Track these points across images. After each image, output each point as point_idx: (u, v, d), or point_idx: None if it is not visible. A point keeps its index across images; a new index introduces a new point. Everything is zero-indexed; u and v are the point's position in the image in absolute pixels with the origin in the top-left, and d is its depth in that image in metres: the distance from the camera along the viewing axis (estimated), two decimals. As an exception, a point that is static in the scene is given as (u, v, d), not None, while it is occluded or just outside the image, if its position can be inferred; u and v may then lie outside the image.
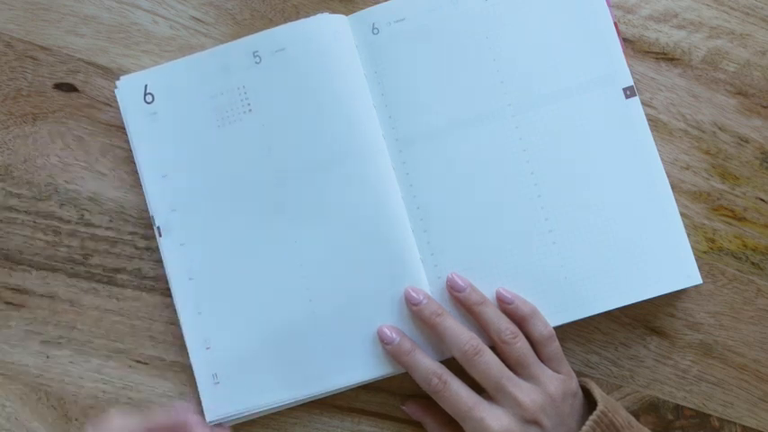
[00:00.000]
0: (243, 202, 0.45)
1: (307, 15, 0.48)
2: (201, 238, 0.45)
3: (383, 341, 0.43)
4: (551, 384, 0.41)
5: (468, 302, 0.43)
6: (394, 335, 0.43)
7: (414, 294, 0.43)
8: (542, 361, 0.43)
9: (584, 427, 0.39)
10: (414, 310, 0.43)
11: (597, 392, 0.42)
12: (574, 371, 0.44)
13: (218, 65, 0.46)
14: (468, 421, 0.41)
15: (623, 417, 0.41)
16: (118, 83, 0.46)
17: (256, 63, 0.46)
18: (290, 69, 0.45)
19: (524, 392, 0.41)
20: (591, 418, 0.39)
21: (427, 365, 0.42)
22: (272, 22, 0.48)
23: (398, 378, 0.44)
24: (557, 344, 0.43)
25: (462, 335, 0.42)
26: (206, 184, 0.46)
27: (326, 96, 0.45)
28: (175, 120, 0.46)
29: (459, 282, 0.44)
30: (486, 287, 0.44)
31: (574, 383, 0.43)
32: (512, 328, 0.42)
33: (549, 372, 0.42)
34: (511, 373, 0.42)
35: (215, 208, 0.46)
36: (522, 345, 0.42)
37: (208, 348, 0.45)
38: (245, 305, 0.45)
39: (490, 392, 0.42)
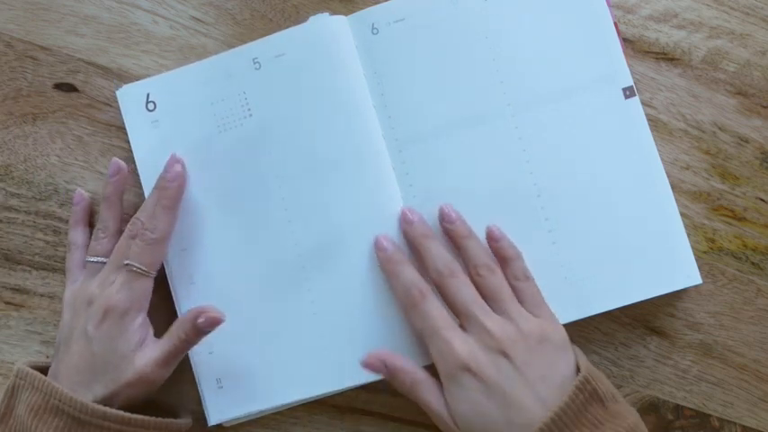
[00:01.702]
0: (244, 207, 0.46)
1: (307, 15, 0.48)
2: (203, 243, 0.45)
3: (377, 248, 0.43)
4: (525, 322, 0.40)
5: (456, 234, 0.43)
6: (388, 244, 0.43)
7: (409, 214, 0.43)
8: (521, 303, 0.41)
9: (567, 393, 0.37)
10: (405, 228, 0.43)
11: (581, 360, 0.40)
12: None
13: (218, 72, 0.46)
14: (435, 339, 0.40)
15: (607, 387, 0.39)
16: (119, 91, 0.46)
17: (256, 69, 0.46)
18: (289, 74, 0.45)
19: (494, 322, 0.40)
20: (573, 383, 0.37)
21: (412, 277, 0.42)
22: (272, 22, 0.48)
23: (398, 378, 0.44)
24: (536, 287, 0.42)
25: (443, 257, 0.42)
26: (207, 190, 0.46)
27: (326, 98, 0.45)
28: (177, 127, 0.46)
29: (452, 214, 0.43)
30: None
31: (555, 332, 0.41)
32: (490, 263, 0.42)
33: (526, 312, 0.41)
34: (484, 303, 0.41)
35: (216, 213, 0.46)
36: (498, 280, 0.41)
37: (210, 353, 0.45)
38: (248, 309, 0.45)
39: (461, 319, 0.41)
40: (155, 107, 0.46)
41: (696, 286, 0.45)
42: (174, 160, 0.45)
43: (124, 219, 0.45)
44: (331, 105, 0.45)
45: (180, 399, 0.46)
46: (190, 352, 0.45)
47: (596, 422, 0.37)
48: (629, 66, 0.45)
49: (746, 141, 0.47)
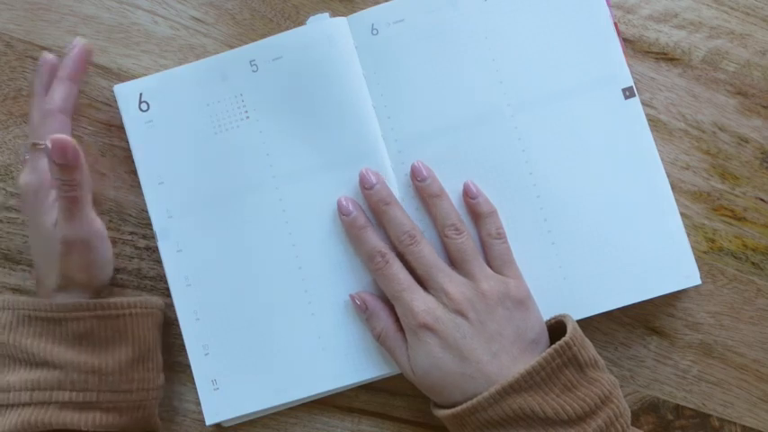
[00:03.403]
0: (240, 209, 0.46)
1: (307, 15, 0.48)
2: (198, 244, 0.45)
3: (340, 211, 0.44)
4: (486, 282, 0.41)
5: (426, 192, 0.44)
6: (351, 207, 0.44)
7: (368, 177, 0.44)
8: (488, 261, 0.43)
9: (543, 354, 0.38)
10: (365, 193, 0.44)
11: (570, 324, 0.40)
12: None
13: (214, 73, 0.46)
14: (398, 301, 0.42)
15: (590, 355, 0.40)
16: (114, 89, 0.46)
17: (254, 71, 0.46)
18: (287, 76, 0.45)
19: (453, 283, 0.41)
20: (553, 346, 0.39)
21: (375, 243, 0.43)
22: (272, 22, 0.48)
23: (398, 378, 0.44)
24: (506, 246, 0.43)
25: (405, 224, 0.43)
26: (203, 191, 0.46)
27: (325, 100, 0.45)
28: (171, 127, 0.46)
29: (423, 171, 0.44)
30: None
31: (518, 290, 0.42)
32: (458, 224, 0.43)
33: (489, 271, 0.42)
34: (445, 265, 0.42)
35: (212, 214, 0.46)
36: (463, 241, 0.42)
37: (206, 354, 0.45)
38: (244, 310, 0.45)
39: (423, 281, 0.42)
40: (148, 107, 0.46)
41: (696, 286, 0.45)
42: (75, 40, 0.44)
43: (122, 234, 0.45)
44: (330, 106, 0.45)
45: (179, 399, 0.46)
46: (188, 352, 0.45)
47: (570, 385, 0.38)
48: (630, 66, 0.45)
49: (746, 141, 0.47)
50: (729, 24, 0.48)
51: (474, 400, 0.38)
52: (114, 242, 0.47)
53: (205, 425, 0.45)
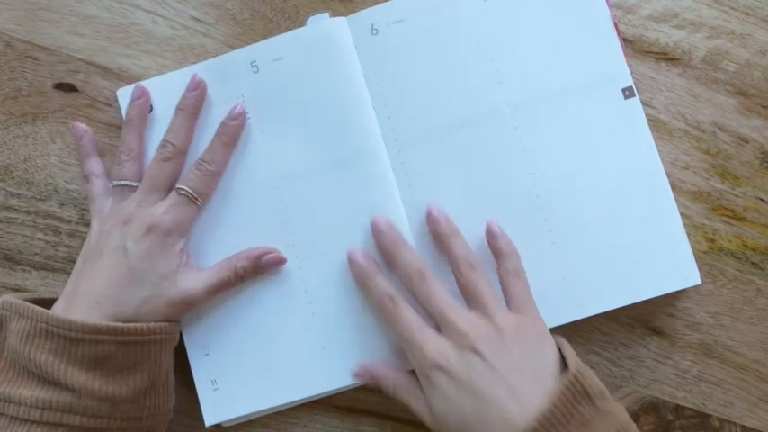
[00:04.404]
0: (241, 208, 0.46)
1: (307, 15, 0.48)
2: (198, 244, 0.45)
3: (350, 262, 0.43)
4: (501, 317, 0.40)
5: (441, 234, 0.43)
6: (360, 258, 0.43)
7: (379, 224, 0.43)
8: (506, 300, 0.42)
9: (556, 394, 0.36)
10: (377, 239, 0.43)
11: (570, 355, 0.39)
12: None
13: (215, 75, 0.46)
14: (409, 344, 0.40)
15: (596, 384, 0.38)
16: (117, 92, 0.46)
17: (254, 72, 0.46)
18: (287, 77, 0.45)
19: (466, 321, 0.40)
20: (563, 383, 0.37)
21: (384, 287, 0.42)
22: (272, 22, 0.48)
23: (398, 378, 0.44)
24: (526, 287, 0.42)
25: (413, 263, 0.42)
26: None
27: (325, 100, 0.45)
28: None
29: (437, 215, 0.43)
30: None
31: (534, 326, 0.41)
32: (472, 261, 0.42)
33: (504, 310, 0.41)
34: (457, 303, 0.41)
35: (213, 215, 0.46)
36: (478, 277, 0.41)
37: (206, 354, 0.45)
38: (244, 310, 0.45)
39: (436, 321, 0.41)
40: (152, 109, 0.46)
41: (696, 286, 0.45)
42: (237, 106, 0.45)
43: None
44: (330, 107, 0.45)
45: (179, 399, 0.46)
46: (188, 353, 0.45)
47: (585, 421, 0.37)
48: (629, 66, 0.45)
49: (746, 141, 0.47)
50: (729, 24, 0.48)
51: None
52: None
53: (204, 425, 0.45)
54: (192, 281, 0.43)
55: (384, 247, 0.43)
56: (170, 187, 0.44)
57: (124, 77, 0.48)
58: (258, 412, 0.45)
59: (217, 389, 0.45)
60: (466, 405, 0.38)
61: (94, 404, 0.39)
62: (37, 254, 0.47)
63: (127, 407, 0.40)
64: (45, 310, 0.39)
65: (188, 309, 0.43)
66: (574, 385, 0.37)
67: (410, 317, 0.41)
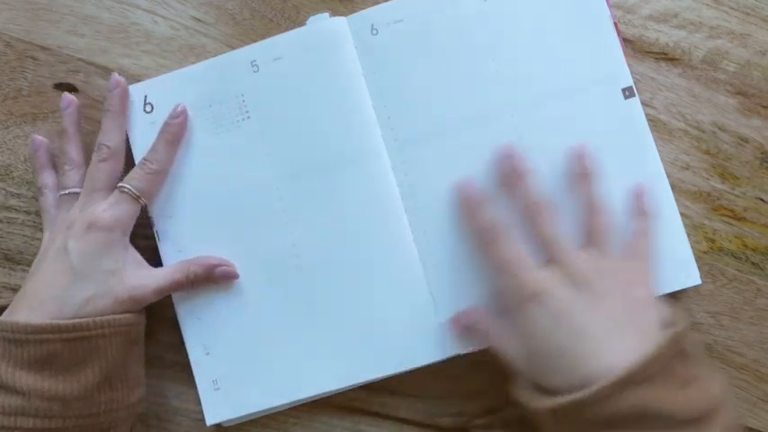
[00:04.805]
0: (241, 209, 0.46)
1: (307, 15, 0.48)
2: (200, 244, 0.46)
3: (459, 190, 0.43)
4: (617, 262, 0.39)
5: (579, 175, 0.43)
6: (470, 187, 0.43)
7: (508, 147, 0.43)
8: (628, 251, 0.41)
9: (658, 342, 0.34)
10: (502, 161, 0.43)
11: (679, 315, 0.38)
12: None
13: (216, 75, 0.46)
14: (507, 271, 0.39)
15: (698, 351, 0.37)
16: None
17: (254, 72, 0.46)
18: (287, 76, 0.45)
19: (581, 254, 0.39)
20: (665, 337, 0.35)
21: (491, 216, 0.42)
22: (272, 22, 0.48)
23: (398, 378, 0.44)
24: (648, 244, 0.42)
25: (538, 192, 0.42)
26: (205, 191, 0.46)
27: (325, 100, 0.45)
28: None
29: (584, 159, 0.43)
30: (484, 286, 0.44)
31: (644, 273, 0.40)
32: (603, 205, 0.42)
33: (622, 256, 0.40)
34: (569, 240, 0.40)
35: (214, 214, 0.46)
36: (604, 220, 0.41)
37: (207, 354, 0.45)
38: (245, 309, 0.45)
39: (547, 252, 0.40)
40: (152, 109, 0.46)
41: (696, 286, 0.45)
42: (179, 106, 0.45)
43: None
44: (330, 106, 0.45)
45: (179, 399, 0.46)
46: (189, 353, 0.45)
47: (680, 381, 0.35)
48: (629, 66, 0.45)
49: (746, 141, 0.47)
50: (729, 24, 0.48)
51: (583, 394, 0.34)
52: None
53: (205, 425, 0.45)
54: (143, 278, 0.42)
55: (509, 171, 0.43)
56: (112, 187, 0.44)
57: (124, 77, 0.48)
58: (259, 412, 0.45)
59: (218, 389, 0.45)
60: (561, 336, 0.37)
61: (45, 405, 0.38)
62: (37, 254, 0.47)
63: (79, 404, 0.39)
64: None
65: (137, 307, 0.42)
66: (676, 342, 0.35)
67: (513, 247, 0.40)
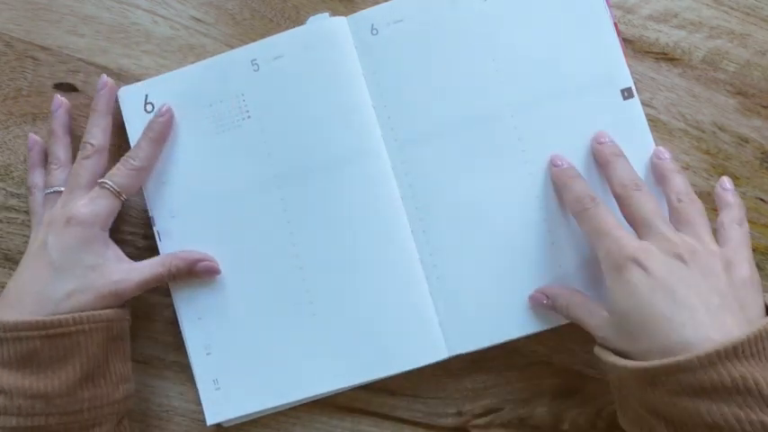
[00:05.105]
0: (242, 208, 0.46)
1: (307, 15, 0.48)
2: (200, 243, 0.46)
3: (552, 163, 0.44)
4: (714, 245, 0.38)
5: (662, 167, 0.43)
6: (563, 161, 0.44)
7: (603, 135, 0.44)
8: (724, 243, 0.40)
9: (760, 326, 0.33)
10: (596, 146, 0.44)
11: None
12: (573, 371, 0.43)
13: (216, 74, 0.46)
14: (603, 238, 0.39)
15: None
16: (119, 92, 0.46)
17: (255, 71, 0.46)
18: (288, 75, 0.45)
19: (675, 233, 0.38)
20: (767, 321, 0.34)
21: (585, 187, 0.42)
22: (272, 22, 0.48)
23: (398, 378, 0.44)
24: (746, 235, 0.41)
25: (631, 172, 0.42)
26: (205, 191, 0.46)
27: (325, 100, 0.45)
28: (175, 128, 0.46)
29: (664, 152, 0.44)
30: (484, 286, 0.44)
31: (752, 271, 0.38)
32: (693, 195, 0.41)
33: (717, 244, 0.39)
34: (667, 219, 0.40)
35: (214, 214, 0.46)
36: (697, 209, 0.40)
37: (208, 354, 0.45)
38: (246, 309, 0.45)
39: (641, 231, 0.39)
40: (153, 108, 0.46)
41: (696, 286, 0.45)
42: (164, 106, 0.46)
43: (122, 234, 0.45)
44: (330, 106, 0.45)
45: (179, 399, 0.46)
46: (190, 352, 0.45)
47: None
48: (629, 66, 0.45)
49: (746, 141, 0.47)
50: (729, 24, 0.48)
51: (682, 358, 0.33)
52: (114, 242, 0.47)
53: (205, 425, 0.45)
54: (125, 272, 0.42)
55: (602, 154, 0.43)
56: (94, 185, 0.44)
57: (124, 77, 0.48)
58: (259, 412, 0.45)
59: (218, 388, 0.45)
60: (658, 303, 0.36)
61: (28, 403, 0.38)
62: (37, 254, 0.47)
63: (62, 401, 0.39)
64: None
65: (119, 301, 0.42)
66: None
67: (610, 217, 0.40)
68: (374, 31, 0.46)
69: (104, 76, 0.46)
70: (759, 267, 0.46)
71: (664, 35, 0.48)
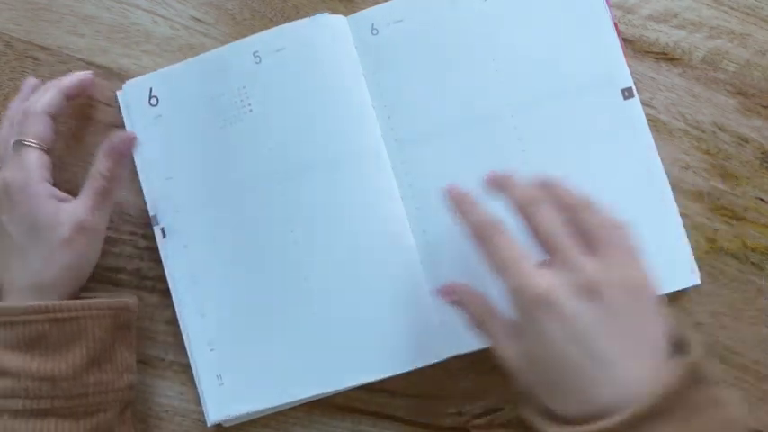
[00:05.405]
0: (245, 205, 0.46)
1: (306, 15, 0.47)
2: (205, 239, 0.46)
3: (449, 191, 0.39)
4: (624, 268, 0.34)
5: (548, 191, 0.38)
6: (460, 189, 0.39)
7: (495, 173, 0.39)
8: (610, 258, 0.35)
9: (676, 371, 0.32)
10: (488, 177, 0.39)
11: (693, 337, 0.34)
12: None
13: (219, 66, 0.46)
14: (509, 272, 0.35)
15: (712, 371, 0.33)
16: (124, 86, 0.47)
17: (257, 63, 0.46)
18: (289, 69, 0.45)
19: (587, 258, 0.34)
20: (683, 363, 0.32)
21: (486, 214, 0.37)
22: (272, 22, 0.48)
23: (398, 378, 0.44)
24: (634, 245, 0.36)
25: (529, 191, 0.37)
26: (209, 186, 0.46)
27: (325, 96, 0.45)
28: (179, 122, 0.46)
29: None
30: (485, 286, 0.44)
31: (654, 285, 0.35)
32: (589, 203, 0.37)
33: (627, 259, 0.35)
34: (575, 238, 0.35)
35: (218, 209, 0.46)
36: (598, 220, 0.36)
37: (212, 350, 0.45)
38: (249, 306, 0.45)
39: (548, 250, 0.35)
40: (157, 102, 0.46)
41: (696, 286, 0.45)
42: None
43: (122, 234, 0.45)
44: (330, 105, 0.45)
45: (179, 399, 0.46)
46: (190, 348, 0.45)
47: (695, 407, 0.32)
48: (629, 66, 0.45)
49: (746, 141, 0.47)
50: (729, 24, 0.48)
51: (604, 424, 0.31)
52: (114, 242, 0.47)
53: (205, 425, 0.45)
54: (73, 209, 0.42)
55: (495, 180, 0.39)
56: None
57: (124, 78, 0.48)
58: (259, 411, 0.45)
59: (222, 384, 0.45)
60: (571, 354, 0.33)
61: (35, 384, 0.38)
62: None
63: (68, 384, 0.39)
64: None
65: (90, 236, 0.42)
66: (693, 372, 0.32)
67: (514, 245, 0.35)
68: (374, 31, 0.46)
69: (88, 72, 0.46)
70: (759, 267, 0.47)
71: (664, 35, 0.48)
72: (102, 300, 0.41)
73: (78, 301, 0.40)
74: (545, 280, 0.34)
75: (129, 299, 0.43)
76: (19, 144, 0.42)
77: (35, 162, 0.42)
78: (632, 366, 0.33)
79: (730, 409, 0.33)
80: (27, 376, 0.38)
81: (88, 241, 0.42)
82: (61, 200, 0.43)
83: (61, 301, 0.40)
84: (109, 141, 0.43)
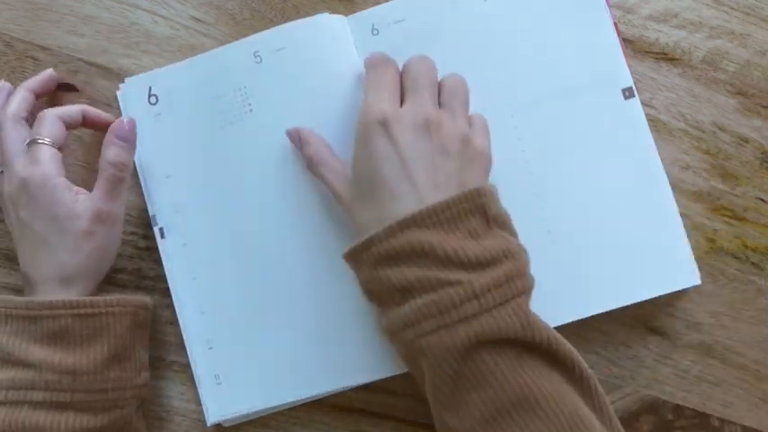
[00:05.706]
0: (245, 202, 0.46)
1: (306, 15, 0.47)
2: (204, 238, 0.46)
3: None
4: (465, 125, 0.40)
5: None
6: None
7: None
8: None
9: (451, 195, 0.36)
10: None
11: (494, 192, 0.39)
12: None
13: (219, 65, 0.46)
14: (369, 93, 0.40)
15: (500, 211, 0.39)
16: (122, 84, 0.47)
17: (257, 63, 0.46)
18: (289, 69, 0.45)
19: (434, 102, 0.40)
20: (462, 191, 0.37)
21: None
22: (272, 22, 0.48)
23: (398, 378, 0.44)
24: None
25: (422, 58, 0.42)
26: (209, 185, 0.46)
27: (325, 96, 0.45)
28: (179, 121, 0.46)
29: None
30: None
31: (487, 151, 0.41)
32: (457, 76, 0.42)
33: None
34: (436, 88, 0.41)
35: (218, 208, 0.46)
36: (460, 83, 0.42)
37: (210, 349, 0.45)
38: (248, 305, 0.45)
39: (406, 92, 0.41)
40: (157, 101, 0.46)
41: (696, 286, 0.45)
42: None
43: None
44: (330, 105, 0.45)
45: (179, 399, 0.46)
46: (189, 348, 0.45)
47: (474, 233, 0.36)
48: (629, 66, 0.45)
49: (746, 141, 0.47)
50: (729, 24, 0.48)
51: (372, 233, 0.36)
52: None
53: (205, 425, 0.45)
54: (89, 200, 0.42)
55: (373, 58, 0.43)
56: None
57: (124, 77, 0.48)
58: (259, 411, 0.45)
59: (220, 383, 0.45)
60: (388, 173, 0.38)
61: (56, 377, 0.39)
62: (37, 254, 0.47)
63: (89, 378, 0.40)
64: (3, 297, 0.41)
65: (108, 225, 0.43)
66: (473, 197, 0.37)
67: (393, 78, 0.41)
68: (375, 32, 0.46)
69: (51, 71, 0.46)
70: (759, 267, 0.47)
71: (664, 35, 0.48)
72: (125, 297, 0.42)
73: (102, 298, 0.41)
74: (392, 107, 0.39)
75: (146, 298, 0.44)
76: (33, 143, 0.42)
77: (50, 158, 0.43)
78: (433, 193, 0.37)
79: (514, 247, 0.37)
80: (48, 369, 0.39)
81: (107, 230, 0.43)
82: (77, 193, 0.43)
83: (85, 297, 0.41)
84: (111, 129, 0.44)
